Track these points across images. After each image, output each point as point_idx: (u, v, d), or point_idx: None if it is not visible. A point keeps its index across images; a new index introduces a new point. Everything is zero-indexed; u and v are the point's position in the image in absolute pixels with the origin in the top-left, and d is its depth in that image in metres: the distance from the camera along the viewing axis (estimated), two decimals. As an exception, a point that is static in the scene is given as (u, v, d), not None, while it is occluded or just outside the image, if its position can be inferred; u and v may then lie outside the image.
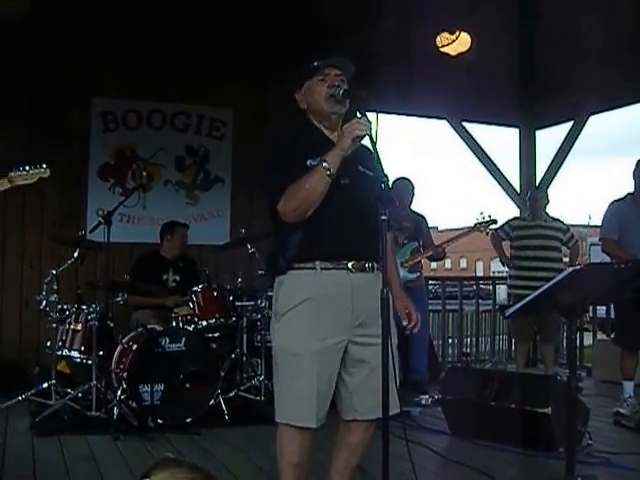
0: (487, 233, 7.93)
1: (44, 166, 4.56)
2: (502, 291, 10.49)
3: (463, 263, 65.22)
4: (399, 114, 10.39)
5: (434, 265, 15.03)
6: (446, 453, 5.43)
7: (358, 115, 3.27)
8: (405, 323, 3.50)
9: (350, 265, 3.35)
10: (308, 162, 3.33)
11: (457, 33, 7.96)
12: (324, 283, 3.34)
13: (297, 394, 3.36)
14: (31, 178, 4.57)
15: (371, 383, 3.30)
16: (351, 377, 3.41)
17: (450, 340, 10.65)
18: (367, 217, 3.22)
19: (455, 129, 10.45)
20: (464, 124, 10.48)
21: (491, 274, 47.10)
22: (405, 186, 7.60)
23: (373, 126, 3.23)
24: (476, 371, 7.19)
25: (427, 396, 7.25)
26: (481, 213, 7.54)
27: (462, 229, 8.11)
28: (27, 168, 4.52)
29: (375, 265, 3.40)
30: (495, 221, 7.68)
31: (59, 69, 8.36)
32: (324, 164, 3.20)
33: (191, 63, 8.40)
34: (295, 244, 3.38)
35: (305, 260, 3.37)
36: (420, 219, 7.77)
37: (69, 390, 6.47)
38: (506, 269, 8.36)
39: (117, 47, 8.09)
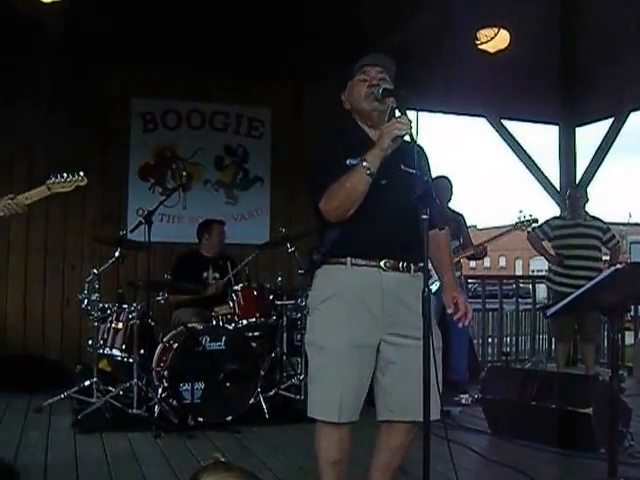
0: (528, 232, 7.88)
1: (81, 174, 4.58)
2: (542, 290, 10.43)
3: (502, 262, 64.78)
4: (438, 112, 10.37)
5: (473, 264, 14.98)
6: (486, 453, 5.40)
7: (398, 114, 3.27)
8: (450, 312, 3.47)
9: (382, 264, 3.35)
10: (348, 161, 3.34)
11: (496, 30, 7.89)
12: (353, 279, 3.35)
13: (322, 388, 3.38)
14: (69, 186, 4.59)
15: (404, 384, 3.33)
16: (384, 377, 3.41)
17: (490, 339, 10.58)
18: (407, 217, 3.21)
19: (494, 127, 10.40)
20: (503, 122, 10.43)
21: (530, 273, 46.89)
22: (443, 184, 7.57)
23: (413, 124, 3.22)
24: (516, 371, 7.14)
25: (467, 395, 7.23)
26: (520, 211, 7.49)
27: (501, 228, 8.08)
28: (65, 175, 4.54)
29: (413, 266, 3.39)
30: (536, 220, 7.61)
31: (98, 70, 8.44)
32: (364, 163, 3.20)
33: (230, 63, 8.43)
34: (330, 240, 3.41)
35: (337, 255, 3.39)
36: (459, 218, 7.74)
37: (110, 388, 6.56)
38: (546, 267, 8.30)
39: (156, 47, 8.13)
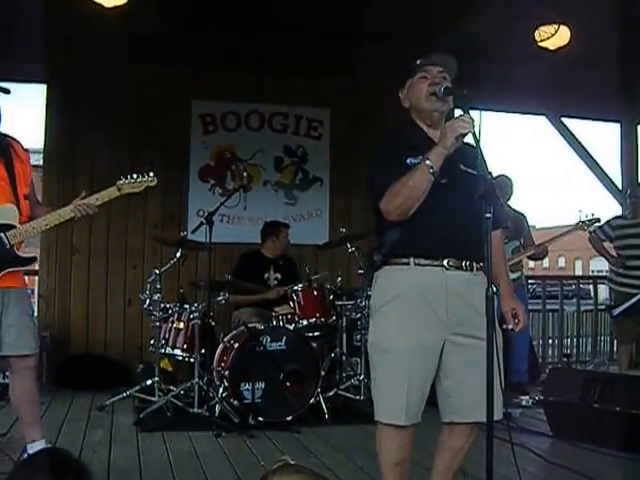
0: (589, 232, 7.77)
1: (151, 174, 4.61)
2: (602, 290, 10.28)
3: (561, 262, 63.96)
4: (497, 111, 10.29)
5: (531, 264, 14.80)
6: (548, 456, 5.31)
7: (461, 113, 3.25)
8: (511, 326, 3.44)
9: (445, 263, 3.33)
10: (408, 161, 3.33)
11: (556, 27, 7.79)
12: (417, 279, 3.33)
13: (387, 390, 3.37)
14: (139, 186, 4.61)
15: (467, 385, 3.30)
16: (447, 378, 3.38)
17: (550, 340, 10.46)
18: (468, 216, 3.18)
19: (554, 125, 10.29)
20: (563, 120, 10.31)
21: (590, 273, 46.19)
22: (504, 183, 7.50)
23: (476, 124, 3.20)
24: (579, 372, 7.04)
25: (528, 397, 7.16)
26: (580, 211, 7.38)
27: (559, 228, 7.97)
28: (135, 176, 4.57)
29: (475, 264, 3.37)
30: (598, 220, 7.48)
31: (159, 73, 8.54)
32: (427, 162, 3.19)
33: (288, 63, 8.45)
34: (391, 240, 3.39)
35: (399, 256, 3.37)
36: (521, 217, 7.66)
37: (172, 387, 6.63)
38: (606, 268, 8.18)
39: (215, 49, 8.20)
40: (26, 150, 4.57)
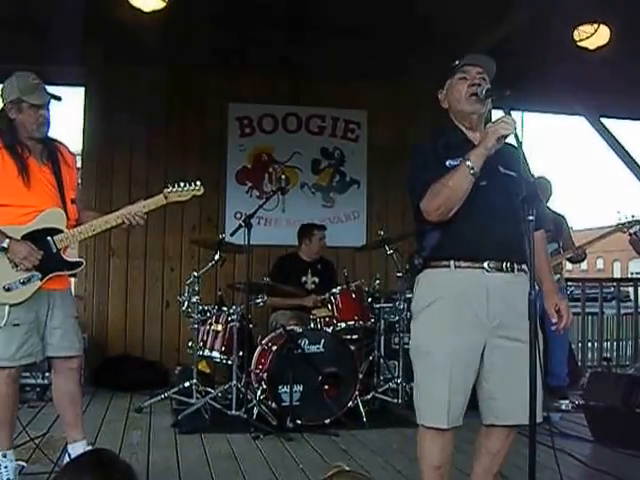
0: (630, 234, 7.67)
1: (198, 183, 4.62)
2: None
3: (600, 264, 63.39)
4: (535, 111, 10.21)
5: (569, 266, 14.73)
6: (589, 461, 5.23)
7: (502, 114, 3.22)
8: (554, 321, 3.39)
9: (486, 265, 3.30)
10: (447, 162, 3.31)
11: (596, 26, 7.71)
12: (457, 282, 3.31)
13: (430, 394, 3.34)
14: (185, 195, 4.60)
15: (508, 388, 3.27)
16: (489, 381, 3.35)
17: (589, 344, 10.35)
18: (507, 218, 3.18)
19: (593, 125, 10.19)
20: (602, 120, 10.21)
21: (629, 275, 45.66)
22: (543, 185, 7.44)
23: (518, 125, 3.16)
24: (620, 376, 6.94)
25: (567, 401, 7.08)
26: (618, 212, 7.29)
27: (599, 229, 7.88)
28: (182, 185, 4.58)
29: (516, 266, 3.33)
30: (638, 221, 7.39)
31: (196, 77, 8.58)
32: (467, 162, 3.16)
33: (325, 65, 8.46)
34: (431, 243, 3.37)
35: (440, 258, 3.35)
36: (561, 219, 7.59)
37: (209, 389, 6.63)
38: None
39: (251, 52, 8.23)
40: (72, 153, 4.60)
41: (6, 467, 4.23)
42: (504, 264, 3.32)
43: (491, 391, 3.34)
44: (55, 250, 4.25)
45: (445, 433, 3.31)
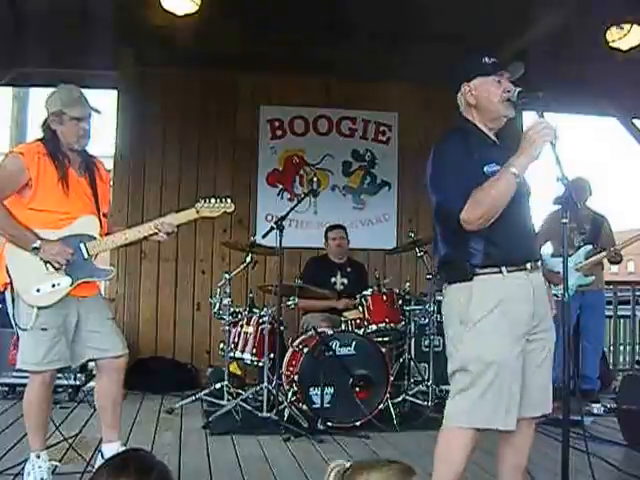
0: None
1: (229, 201, 4.67)
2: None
3: (631, 267, 62.75)
4: (568, 112, 10.15)
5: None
6: (622, 465, 5.14)
7: (540, 119, 3.17)
8: None
9: (528, 266, 3.34)
10: (485, 169, 3.29)
11: (629, 26, 7.64)
12: (511, 286, 3.32)
13: (497, 400, 3.28)
14: (216, 211, 4.65)
15: (537, 380, 3.32)
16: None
17: (622, 347, 10.28)
18: (530, 218, 3.36)
19: (625, 126, 10.11)
20: (635, 121, 10.12)
21: (665, 278, 45.27)
22: (581, 186, 7.38)
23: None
24: (654, 380, 6.89)
25: (599, 405, 7.02)
26: None
27: (634, 231, 7.80)
28: (212, 201, 4.63)
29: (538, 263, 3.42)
30: (671, 224, 7.32)
31: (228, 78, 8.62)
32: (513, 170, 3.15)
33: (355, 67, 8.47)
34: (480, 250, 3.33)
35: (492, 265, 3.33)
36: (600, 219, 7.53)
37: (240, 391, 6.65)
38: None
39: (283, 55, 8.24)
40: (108, 171, 4.72)
41: (40, 467, 4.28)
42: (536, 264, 3.39)
43: (523, 384, 3.32)
44: (87, 256, 4.31)
45: (474, 436, 3.31)
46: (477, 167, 3.30)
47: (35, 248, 4.14)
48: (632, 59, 7.86)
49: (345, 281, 7.54)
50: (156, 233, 4.47)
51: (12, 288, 4.20)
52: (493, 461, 3.59)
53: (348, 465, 2.35)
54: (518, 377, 3.28)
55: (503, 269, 3.31)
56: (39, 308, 4.18)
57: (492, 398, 3.29)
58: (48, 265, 4.19)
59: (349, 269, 7.63)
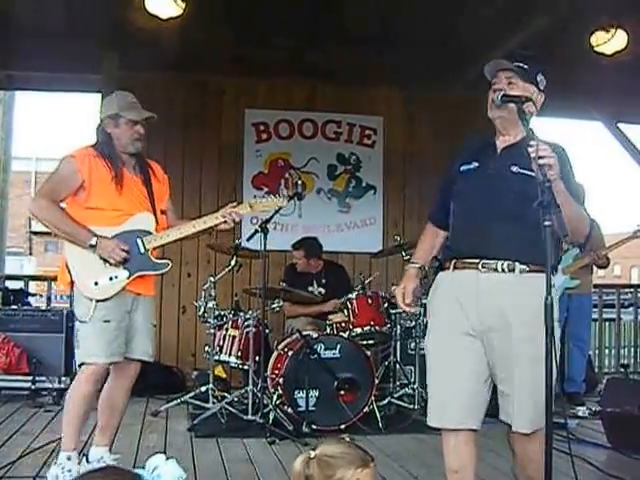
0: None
1: (285, 193, 4.75)
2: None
3: (617, 270, 62.98)
4: (551, 116, 10.18)
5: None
6: (606, 468, 5.17)
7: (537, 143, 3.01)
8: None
9: (480, 265, 3.29)
10: (462, 168, 3.39)
11: (613, 31, 7.68)
12: (453, 283, 3.37)
13: (430, 394, 3.49)
14: (269, 206, 4.82)
15: (508, 391, 3.27)
16: (498, 383, 3.33)
17: (607, 350, 10.33)
18: (513, 218, 3.20)
19: (610, 130, 10.16)
20: (619, 125, 10.17)
21: (648, 281, 45.47)
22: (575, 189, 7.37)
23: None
24: (637, 383, 6.93)
25: (584, 408, 7.05)
26: (638, 225, 7.21)
27: (618, 235, 7.83)
28: (266, 196, 4.75)
29: (520, 266, 3.25)
30: (657, 228, 7.34)
31: (214, 82, 8.63)
32: None
33: (340, 71, 8.49)
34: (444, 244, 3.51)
35: (445, 260, 3.45)
36: (590, 223, 7.52)
37: (226, 394, 6.66)
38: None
39: (268, 59, 8.26)
40: (166, 173, 4.82)
41: (70, 471, 4.22)
42: (501, 264, 3.27)
43: (503, 393, 3.33)
44: (143, 251, 4.41)
45: (456, 434, 3.33)
46: (456, 169, 3.43)
47: (92, 245, 4.26)
48: (616, 63, 7.90)
49: (322, 290, 7.52)
50: (224, 222, 4.59)
51: (73, 285, 4.35)
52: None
53: (313, 455, 2.41)
54: (457, 374, 3.31)
55: (452, 264, 3.39)
56: (97, 301, 4.28)
57: (429, 392, 3.49)
58: (105, 261, 4.30)
59: (324, 280, 7.59)
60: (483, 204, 3.31)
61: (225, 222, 4.58)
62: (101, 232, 4.30)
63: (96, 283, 4.29)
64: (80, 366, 4.39)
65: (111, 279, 4.33)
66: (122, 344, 4.37)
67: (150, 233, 4.45)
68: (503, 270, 3.27)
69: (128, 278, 4.37)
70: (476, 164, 3.38)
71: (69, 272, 4.33)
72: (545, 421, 2.87)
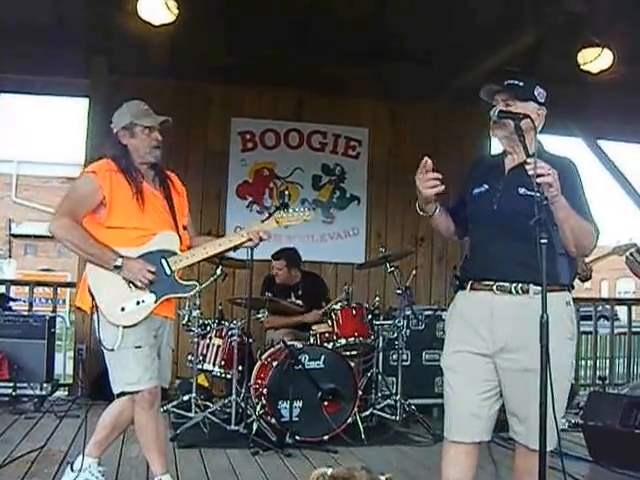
0: (626, 257, 7.69)
1: (308, 210, 4.68)
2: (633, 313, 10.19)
3: (587, 283, 63.27)
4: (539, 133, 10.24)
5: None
6: (588, 480, 5.27)
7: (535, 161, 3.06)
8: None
9: (495, 287, 3.33)
10: (475, 191, 3.47)
11: (600, 50, 7.74)
12: (469, 303, 3.42)
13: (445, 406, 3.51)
14: (296, 220, 4.62)
15: (520, 410, 3.32)
16: (506, 401, 3.39)
17: (584, 362, 10.40)
18: (524, 240, 3.17)
19: (590, 147, 10.23)
20: (599, 142, 10.24)
21: (617, 294, 45.78)
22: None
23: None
24: (619, 397, 6.94)
25: (563, 420, 7.08)
26: (618, 241, 7.28)
27: (598, 250, 7.89)
28: (291, 210, 4.60)
29: (534, 288, 3.25)
30: (635, 245, 7.41)
31: (200, 90, 8.63)
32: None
33: (327, 83, 8.52)
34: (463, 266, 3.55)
35: (463, 280, 3.48)
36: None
37: (208, 403, 6.64)
38: (633, 289, 8.10)
39: (255, 68, 8.27)
40: (184, 185, 4.66)
41: None
42: (514, 286, 3.30)
43: (509, 409, 3.40)
44: (169, 272, 4.20)
45: (457, 446, 3.37)
46: (470, 192, 3.50)
47: (117, 267, 4.06)
48: (598, 81, 7.98)
49: (300, 302, 7.47)
50: (250, 240, 4.40)
51: (97, 309, 4.11)
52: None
53: (329, 472, 2.42)
54: (466, 389, 3.36)
55: (468, 285, 3.43)
56: (124, 327, 4.08)
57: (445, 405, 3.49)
58: (131, 284, 4.11)
59: (300, 291, 7.57)
60: (494, 227, 3.35)
61: (250, 240, 4.39)
62: (123, 253, 4.09)
63: (123, 309, 4.08)
64: (119, 396, 4.19)
65: (138, 303, 4.12)
66: (156, 368, 4.19)
67: (175, 253, 4.24)
68: (517, 292, 3.30)
69: (155, 302, 4.16)
70: (486, 186, 3.42)
71: (91, 295, 4.11)
72: (539, 437, 2.92)
